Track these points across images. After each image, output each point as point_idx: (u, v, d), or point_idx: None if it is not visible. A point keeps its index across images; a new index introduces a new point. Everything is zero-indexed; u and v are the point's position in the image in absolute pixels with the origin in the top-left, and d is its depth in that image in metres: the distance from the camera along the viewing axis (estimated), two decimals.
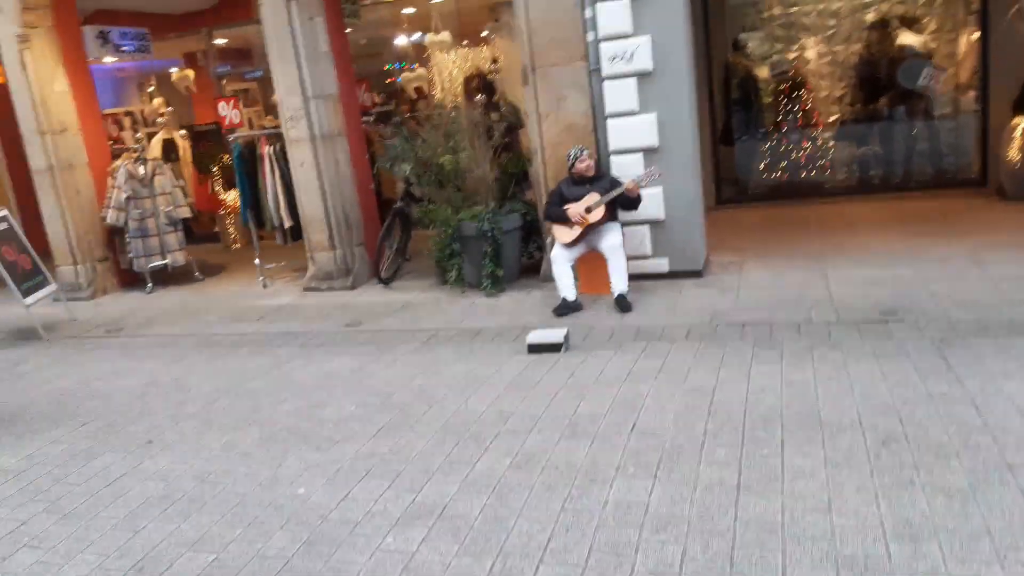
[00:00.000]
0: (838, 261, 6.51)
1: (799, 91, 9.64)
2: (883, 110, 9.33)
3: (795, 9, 9.59)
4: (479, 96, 9.08)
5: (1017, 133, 7.70)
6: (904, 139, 9.28)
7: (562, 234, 6.18)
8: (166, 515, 3.71)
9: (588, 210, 6.02)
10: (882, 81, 9.21)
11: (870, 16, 9.28)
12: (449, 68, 10.88)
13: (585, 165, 6.13)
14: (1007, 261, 5.96)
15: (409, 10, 10.92)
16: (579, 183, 6.15)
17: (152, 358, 6.31)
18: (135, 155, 8.70)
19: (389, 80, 12.10)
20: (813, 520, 3.04)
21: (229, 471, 4.10)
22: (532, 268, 7.25)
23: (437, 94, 10.80)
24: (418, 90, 11.14)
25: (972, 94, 8.73)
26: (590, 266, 6.35)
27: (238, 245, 10.51)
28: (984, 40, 8.25)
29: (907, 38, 8.96)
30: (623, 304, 5.95)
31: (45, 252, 8.34)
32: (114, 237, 8.78)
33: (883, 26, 9.16)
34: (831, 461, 3.45)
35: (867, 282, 5.87)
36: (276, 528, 3.48)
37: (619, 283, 6.03)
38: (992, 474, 3.19)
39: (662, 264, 6.59)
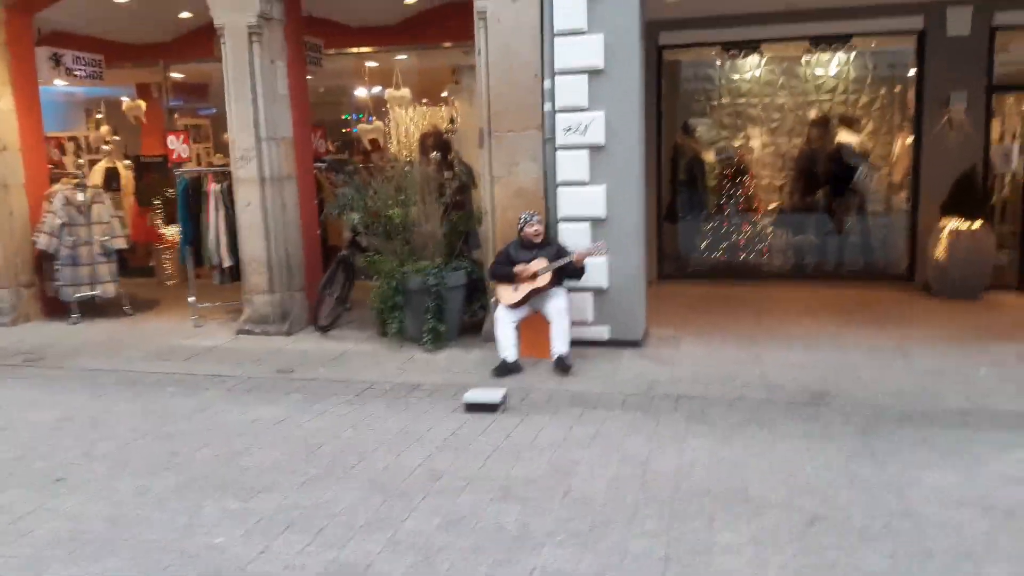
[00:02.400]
0: (771, 342, 6.68)
1: (742, 177, 10.06)
2: (820, 202, 9.76)
3: (743, 100, 10.07)
4: (434, 154, 9.17)
5: (943, 234, 8.12)
6: (838, 231, 9.70)
7: (506, 295, 6.21)
8: (72, 557, 3.49)
9: (535, 275, 6.08)
10: (819, 175, 9.67)
11: (813, 113, 9.79)
12: (407, 124, 11.01)
13: (534, 230, 6.21)
14: (931, 355, 6.21)
15: (372, 64, 11.06)
16: (527, 247, 6.22)
17: (70, 392, 6.03)
18: (75, 181, 8.47)
19: (346, 130, 12.14)
20: None
21: (142, 515, 3.89)
22: (474, 327, 7.24)
23: (392, 148, 10.88)
24: (373, 142, 11.20)
25: (903, 194, 9.23)
26: (533, 329, 6.37)
27: (173, 281, 10.23)
28: (917, 144, 8.76)
29: (846, 136, 9.46)
30: (562, 365, 5.97)
31: None
32: (43, 263, 8.45)
33: (824, 123, 9.67)
34: (757, 539, 3.47)
35: (798, 365, 6.03)
36: None
37: (560, 345, 6.06)
38: (912, 560, 3.25)
39: (603, 332, 6.66)
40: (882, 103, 9.63)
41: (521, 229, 6.27)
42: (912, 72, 8.95)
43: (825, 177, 9.58)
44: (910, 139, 8.95)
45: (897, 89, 9.51)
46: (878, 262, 9.56)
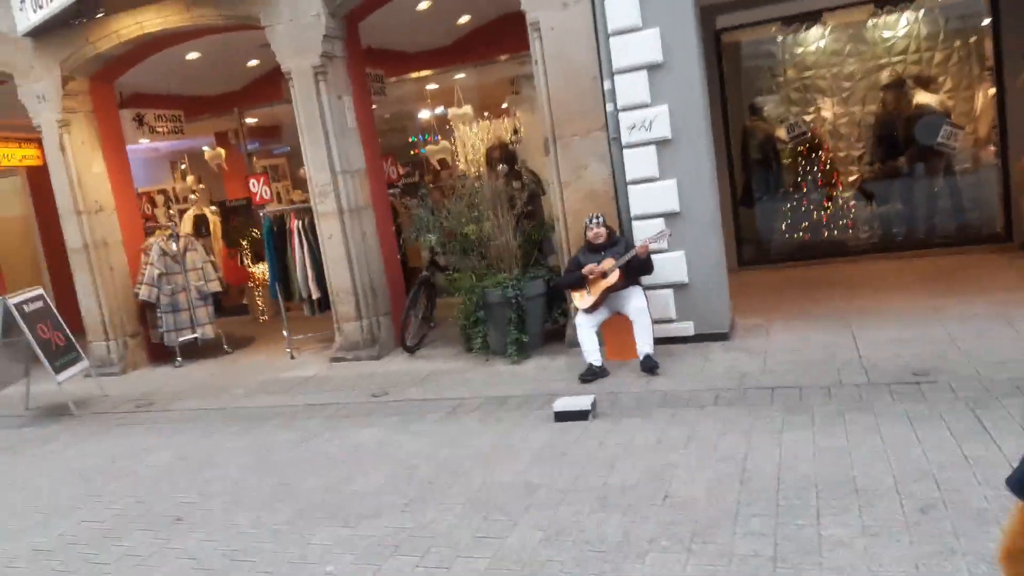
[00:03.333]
0: (865, 321, 6.45)
1: (817, 152, 9.73)
2: (902, 168, 9.37)
3: (810, 73, 9.75)
4: (501, 166, 9.26)
5: None
6: (925, 196, 9.28)
7: (580, 299, 6.23)
8: None
9: (604, 274, 6.07)
10: (899, 139, 9.27)
11: (885, 77, 9.41)
12: (471, 140, 11.12)
13: (593, 233, 6.19)
14: None
15: (432, 86, 11.26)
16: (594, 250, 6.21)
17: (180, 433, 6.37)
18: (168, 232, 8.94)
19: (413, 152, 12.38)
20: None
21: (258, 548, 4.08)
22: (557, 334, 7.27)
23: (460, 165, 11.02)
24: (441, 162, 11.38)
25: (992, 149, 8.76)
26: (615, 331, 6.35)
27: (266, 317, 10.67)
28: (1000, 95, 8.32)
29: (923, 97, 9.05)
30: (649, 365, 5.93)
31: (78, 329, 8.52)
32: (145, 312, 8.96)
33: (898, 86, 9.27)
34: (868, 530, 3.37)
35: (896, 342, 5.80)
36: None
37: (645, 344, 6.02)
38: None
39: (687, 327, 6.58)
40: (958, 57, 9.16)
41: (586, 233, 6.27)
42: (987, 21, 8.50)
43: (906, 141, 9.19)
44: (992, 91, 8.49)
45: (972, 41, 9.03)
46: (971, 224, 9.09)
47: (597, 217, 6.25)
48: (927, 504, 3.51)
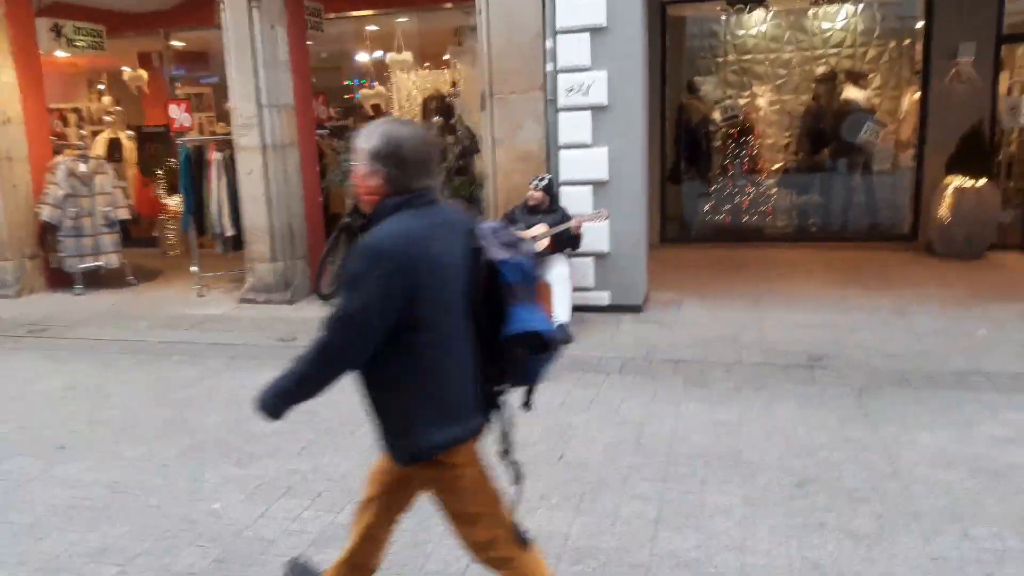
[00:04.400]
0: (772, 305, 6.67)
1: (747, 137, 9.93)
2: (825, 161, 9.65)
3: (748, 57, 9.90)
4: (437, 118, 9.12)
5: (948, 192, 8.03)
6: (843, 191, 9.60)
7: None
8: (72, 524, 3.58)
9: (534, 239, 6.06)
10: (826, 133, 9.54)
11: (820, 69, 9.63)
12: (409, 88, 10.91)
13: (531, 195, 6.15)
14: (931, 315, 6.19)
15: (372, 27, 10.94)
16: (531, 212, 6.18)
17: (74, 361, 6.12)
18: (78, 152, 8.48)
19: (348, 95, 12.07)
20: (725, 559, 3.08)
21: (143, 482, 3.98)
22: None
23: (395, 113, 10.81)
24: (376, 108, 11.12)
25: (910, 152, 9.10)
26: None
27: (176, 252, 10.28)
28: (924, 99, 8.60)
29: (852, 92, 9.31)
30: (563, 333, 5.98)
31: None
32: (46, 235, 8.50)
33: (830, 80, 9.51)
34: (748, 500, 3.51)
35: (797, 326, 6.03)
36: (186, 543, 3.38)
37: (562, 313, 6.06)
38: (898, 521, 3.28)
39: (603, 297, 6.66)
40: (890, 57, 9.46)
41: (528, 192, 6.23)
42: (920, 24, 8.76)
43: (832, 135, 9.46)
44: (917, 94, 8.79)
45: (906, 42, 9.32)
46: (882, 222, 9.48)
47: (541, 179, 6.14)
48: (804, 480, 3.67)
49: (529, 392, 2.45)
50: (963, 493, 3.49)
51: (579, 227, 6.02)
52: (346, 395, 5.02)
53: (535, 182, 6.15)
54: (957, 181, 8.00)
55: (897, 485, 3.58)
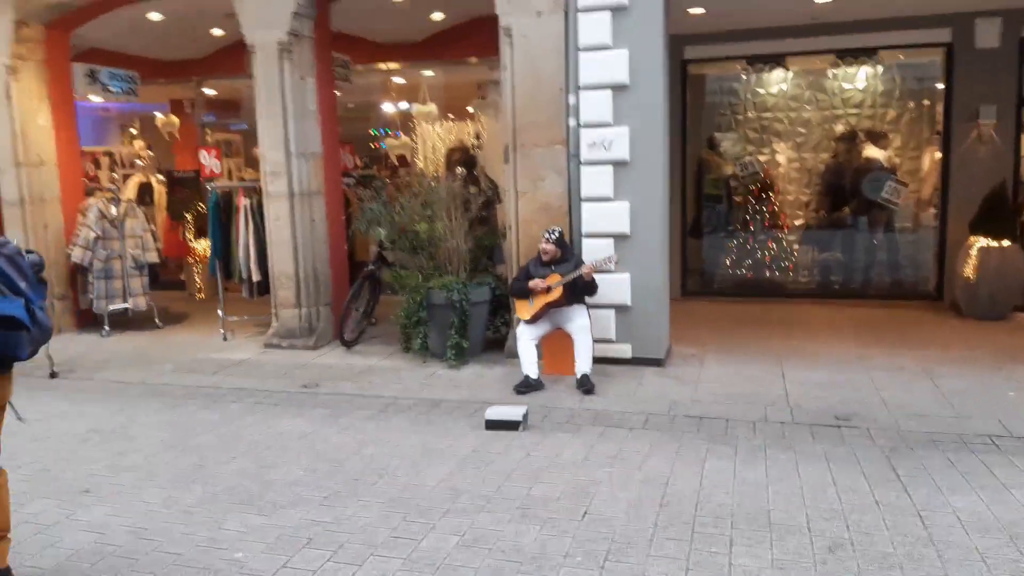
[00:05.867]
0: (795, 362, 6.62)
1: (768, 193, 9.98)
2: (846, 218, 9.67)
3: (769, 115, 10.01)
4: (460, 169, 9.24)
5: (973, 252, 8.00)
6: (865, 248, 9.60)
7: (522, 309, 6.23)
8: (95, 569, 3.56)
9: (548, 289, 6.08)
10: (847, 190, 9.59)
11: (839, 127, 9.72)
12: (433, 139, 11.11)
13: (542, 248, 6.18)
14: (958, 376, 6.12)
15: (399, 79, 11.19)
16: (545, 264, 6.22)
17: (99, 403, 6.15)
18: (109, 195, 8.66)
19: (373, 145, 12.28)
20: None
21: (167, 528, 3.96)
22: (497, 343, 7.27)
23: (419, 163, 10.98)
24: (401, 158, 11.32)
25: (932, 211, 9.12)
26: (555, 346, 6.38)
27: (203, 295, 10.41)
28: (946, 160, 8.65)
29: (872, 151, 9.37)
30: (585, 385, 5.96)
31: None
32: (76, 276, 8.64)
33: (851, 138, 9.59)
34: (777, 563, 3.44)
35: (822, 385, 5.97)
36: None
37: (584, 364, 6.06)
38: None
39: (625, 350, 6.65)
40: (910, 117, 9.53)
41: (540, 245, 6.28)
42: (940, 86, 8.86)
43: (852, 193, 9.50)
44: (938, 154, 8.84)
45: (925, 103, 9.41)
46: (906, 280, 9.45)
47: (551, 232, 6.20)
48: (835, 543, 3.60)
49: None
50: (1000, 561, 3.41)
51: (591, 272, 6.03)
52: (369, 446, 5.05)
53: (546, 235, 6.20)
54: (981, 241, 7.98)
55: (931, 551, 3.50)
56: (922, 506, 3.95)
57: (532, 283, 6.14)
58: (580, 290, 6.13)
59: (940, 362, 6.49)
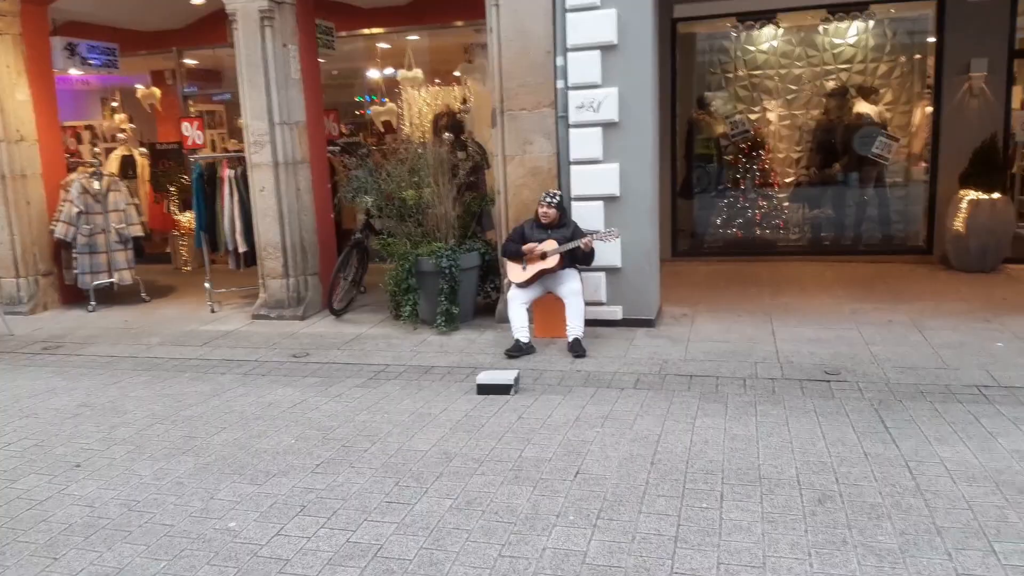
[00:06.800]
0: (786, 318, 6.63)
1: (759, 151, 9.92)
2: (838, 175, 9.63)
3: (759, 72, 9.90)
4: (447, 134, 9.13)
5: (963, 205, 7.99)
6: (856, 204, 9.58)
7: (515, 273, 6.21)
8: (88, 543, 3.56)
9: (544, 255, 6.05)
10: (838, 147, 9.52)
11: (830, 84, 9.63)
12: (419, 105, 10.98)
13: (543, 212, 6.14)
14: (947, 328, 6.14)
15: (384, 45, 11.02)
16: (542, 227, 6.18)
17: (88, 378, 6.13)
18: (91, 169, 8.55)
19: (358, 112, 12.13)
20: None
21: (159, 500, 3.96)
22: (487, 308, 7.25)
23: (405, 129, 10.86)
24: (386, 124, 11.18)
25: (923, 165, 9.08)
26: (546, 309, 6.37)
27: (189, 268, 10.34)
28: (937, 114, 8.60)
29: (863, 107, 9.30)
30: (577, 348, 5.96)
31: None
32: (60, 251, 8.56)
33: (841, 94, 9.51)
34: (767, 516, 3.47)
35: (812, 341, 5.99)
36: (203, 562, 3.36)
37: (575, 327, 6.05)
38: (922, 537, 3.23)
39: (615, 311, 6.64)
40: (901, 72, 9.44)
41: (537, 208, 6.22)
42: (931, 39, 8.76)
43: (843, 149, 9.44)
44: (929, 109, 8.78)
45: (916, 57, 9.32)
46: (896, 235, 9.44)
47: (552, 196, 6.12)
48: (825, 495, 3.63)
49: None
50: (987, 508, 3.44)
51: (590, 246, 6.01)
52: (361, 413, 5.05)
53: (547, 199, 6.14)
54: (971, 194, 7.96)
55: (919, 500, 3.53)
56: (910, 457, 3.97)
57: (527, 247, 6.09)
58: (577, 259, 6.10)
59: (930, 315, 6.50)
